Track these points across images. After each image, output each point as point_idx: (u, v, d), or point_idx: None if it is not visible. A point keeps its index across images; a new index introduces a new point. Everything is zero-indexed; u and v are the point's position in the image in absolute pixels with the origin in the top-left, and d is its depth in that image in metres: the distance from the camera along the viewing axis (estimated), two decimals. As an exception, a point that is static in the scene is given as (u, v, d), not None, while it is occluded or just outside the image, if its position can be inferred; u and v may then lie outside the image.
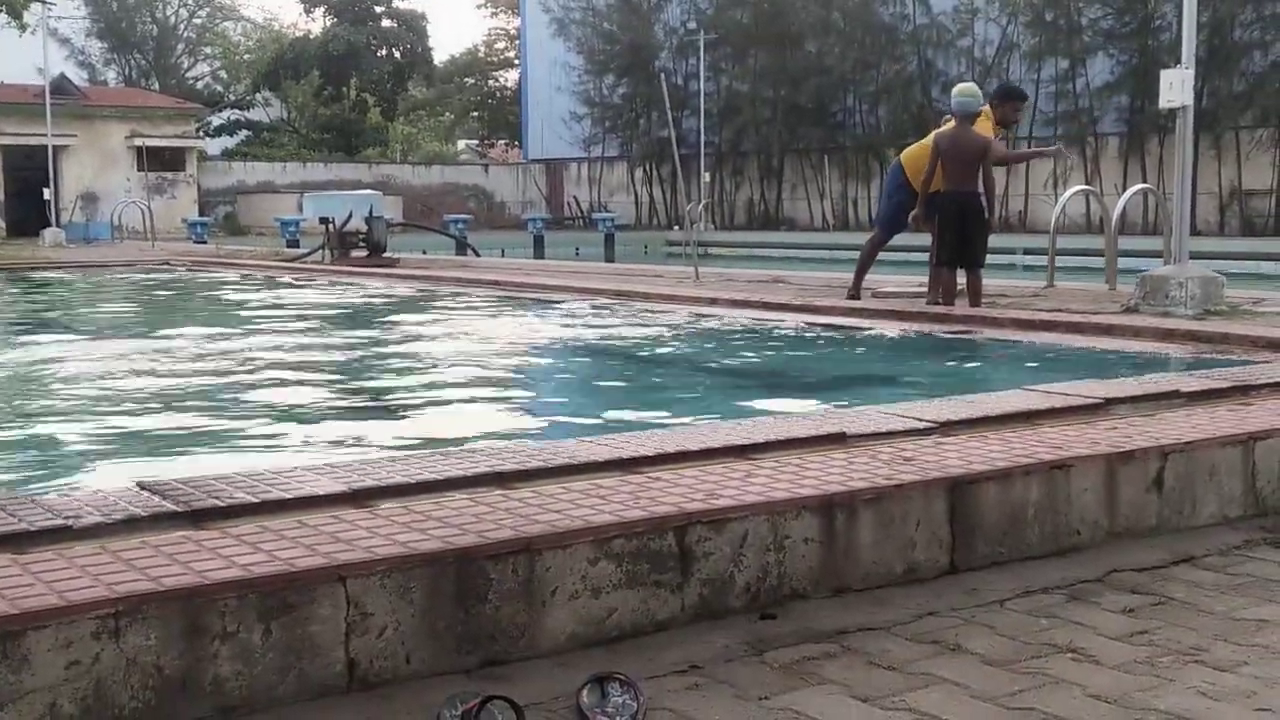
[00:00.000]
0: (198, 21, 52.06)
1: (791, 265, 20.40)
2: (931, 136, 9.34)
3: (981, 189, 8.93)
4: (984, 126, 9.09)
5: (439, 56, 52.55)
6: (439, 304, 12.46)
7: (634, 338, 9.16)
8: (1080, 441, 3.75)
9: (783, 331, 8.85)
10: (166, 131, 36.72)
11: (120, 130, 35.85)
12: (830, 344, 8.38)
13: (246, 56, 52.87)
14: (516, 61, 48.71)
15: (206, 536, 2.70)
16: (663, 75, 18.49)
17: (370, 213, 18.63)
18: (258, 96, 48.71)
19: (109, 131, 35.68)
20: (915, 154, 9.61)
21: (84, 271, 19.37)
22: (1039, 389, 4.69)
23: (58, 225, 29.32)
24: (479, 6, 54.86)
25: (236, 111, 48.96)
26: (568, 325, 10.11)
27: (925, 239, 9.60)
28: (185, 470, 4.46)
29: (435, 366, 7.99)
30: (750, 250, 28.15)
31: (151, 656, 2.30)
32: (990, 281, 9.61)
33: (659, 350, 8.60)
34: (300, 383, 7.13)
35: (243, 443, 5.28)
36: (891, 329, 8.44)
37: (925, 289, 9.54)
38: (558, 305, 11.44)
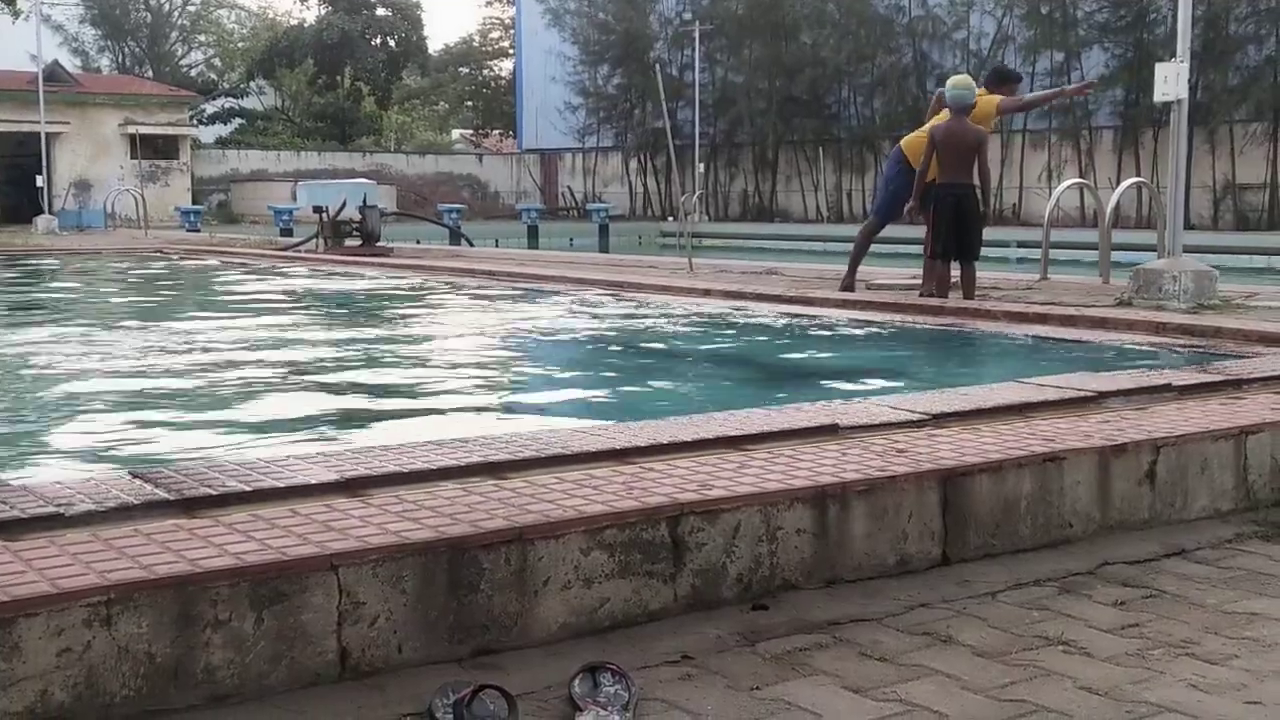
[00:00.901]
0: (192, 9, 51.91)
1: (785, 257, 20.39)
2: (930, 124, 9.35)
3: (977, 181, 8.94)
4: (987, 104, 9.11)
5: (434, 45, 52.46)
6: (432, 294, 12.44)
7: (628, 328, 9.16)
8: (1073, 434, 3.76)
9: (776, 323, 8.86)
10: (160, 119, 36.61)
11: (114, 118, 35.75)
12: (823, 335, 8.38)
13: (240, 44, 52.76)
14: (511, 51, 48.61)
15: (199, 525, 2.70)
16: (658, 66, 18.45)
17: (364, 202, 18.61)
18: (252, 84, 48.58)
19: (102, 119, 35.58)
20: (916, 140, 9.61)
21: (76, 259, 19.32)
22: (1032, 381, 4.70)
23: (50, 212, 29.28)
24: (474, -5, 54.78)
25: (230, 99, 48.80)
26: (561, 315, 10.10)
27: (920, 231, 9.61)
28: (177, 458, 4.46)
29: (428, 356, 7.98)
30: (744, 242, 28.12)
31: (143, 644, 2.30)
32: (984, 274, 9.62)
33: (652, 341, 8.60)
34: (292, 372, 7.12)
35: (235, 431, 5.27)
36: (885, 321, 8.44)
37: (919, 281, 9.55)
38: (551, 296, 11.43)
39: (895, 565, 3.20)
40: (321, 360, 7.71)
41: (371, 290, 13.02)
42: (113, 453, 4.85)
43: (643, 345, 8.40)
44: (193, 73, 50.04)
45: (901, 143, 9.96)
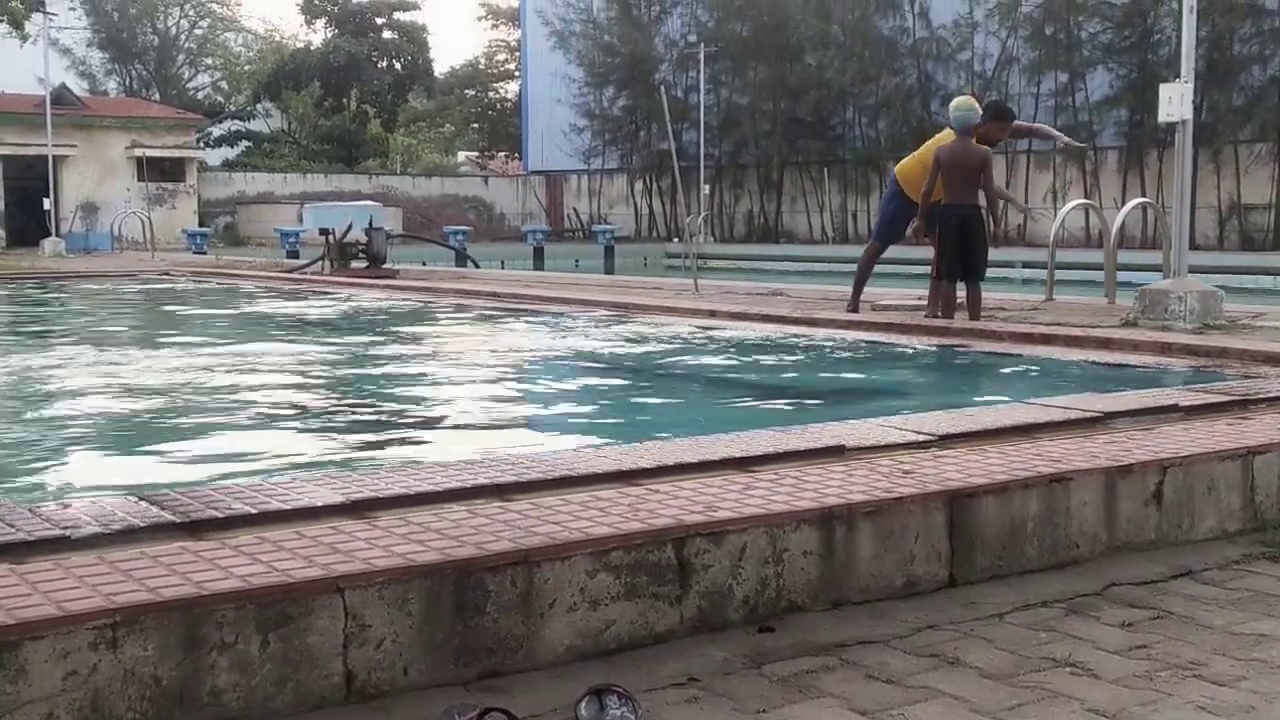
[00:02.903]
0: (199, 32, 52.07)
1: (791, 278, 20.41)
2: (924, 148, 9.36)
3: (982, 202, 8.94)
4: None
5: (439, 68, 52.61)
6: (438, 316, 12.46)
7: (633, 350, 9.16)
8: (1079, 455, 3.75)
9: (782, 344, 8.86)
10: (167, 142, 36.74)
11: (121, 140, 35.86)
12: (829, 357, 8.38)
13: (247, 67, 52.93)
14: (517, 73, 48.77)
15: (204, 547, 2.70)
16: (663, 88, 18.50)
17: (370, 224, 18.66)
18: (258, 107, 48.76)
19: (109, 142, 35.69)
20: (909, 166, 9.64)
21: (83, 282, 19.37)
22: (1038, 402, 4.70)
23: (58, 235, 29.35)
24: (480, 19, 55.02)
25: (237, 122, 48.97)
26: (567, 337, 10.11)
27: (925, 252, 9.62)
28: (183, 481, 4.46)
29: (434, 378, 7.99)
30: (749, 263, 28.15)
31: (149, 667, 2.30)
32: (989, 295, 9.62)
33: (658, 362, 8.60)
34: (298, 394, 7.13)
35: (241, 454, 5.27)
36: (890, 342, 8.44)
37: (924, 302, 9.55)
38: (557, 317, 11.44)
39: (902, 587, 3.19)
40: (326, 382, 7.72)
41: (377, 312, 13.03)
42: (119, 475, 4.85)
43: (648, 367, 8.40)
44: (199, 95, 50.19)
45: (896, 169, 9.98)
